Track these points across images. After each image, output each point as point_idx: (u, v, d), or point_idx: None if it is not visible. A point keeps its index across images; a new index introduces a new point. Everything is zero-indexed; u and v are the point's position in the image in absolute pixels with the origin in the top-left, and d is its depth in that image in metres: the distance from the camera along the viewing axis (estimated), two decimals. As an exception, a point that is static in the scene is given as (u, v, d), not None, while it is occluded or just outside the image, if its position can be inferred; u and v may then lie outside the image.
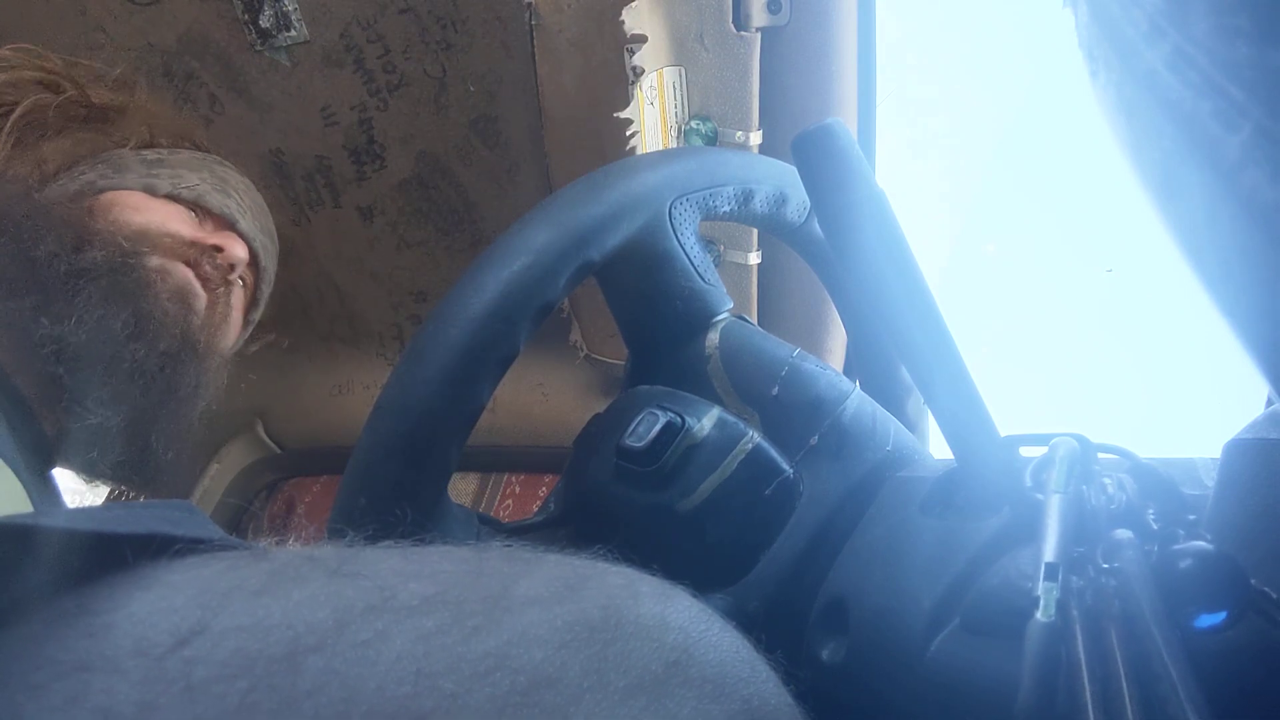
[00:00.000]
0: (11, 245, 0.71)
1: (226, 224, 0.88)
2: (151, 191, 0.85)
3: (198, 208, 0.87)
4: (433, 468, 0.53)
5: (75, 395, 0.70)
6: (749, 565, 0.55)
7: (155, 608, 0.26)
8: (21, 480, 0.63)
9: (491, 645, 0.27)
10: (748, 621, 0.36)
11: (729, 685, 0.29)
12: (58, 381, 0.69)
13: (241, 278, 0.91)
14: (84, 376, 0.70)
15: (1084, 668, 0.29)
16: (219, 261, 0.84)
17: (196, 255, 0.82)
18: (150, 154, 0.90)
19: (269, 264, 0.95)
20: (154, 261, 0.77)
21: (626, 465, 0.56)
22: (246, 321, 0.95)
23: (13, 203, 0.74)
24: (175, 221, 0.83)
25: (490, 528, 0.60)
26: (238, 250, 0.86)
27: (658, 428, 0.55)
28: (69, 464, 0.76)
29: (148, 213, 0.82)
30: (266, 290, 0.97)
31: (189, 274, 0.81)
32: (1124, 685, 0.28)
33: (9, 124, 0.82)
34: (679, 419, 0.56)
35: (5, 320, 0.68)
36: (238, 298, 0.91)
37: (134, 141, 0.90)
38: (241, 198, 0.91)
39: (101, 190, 0.83)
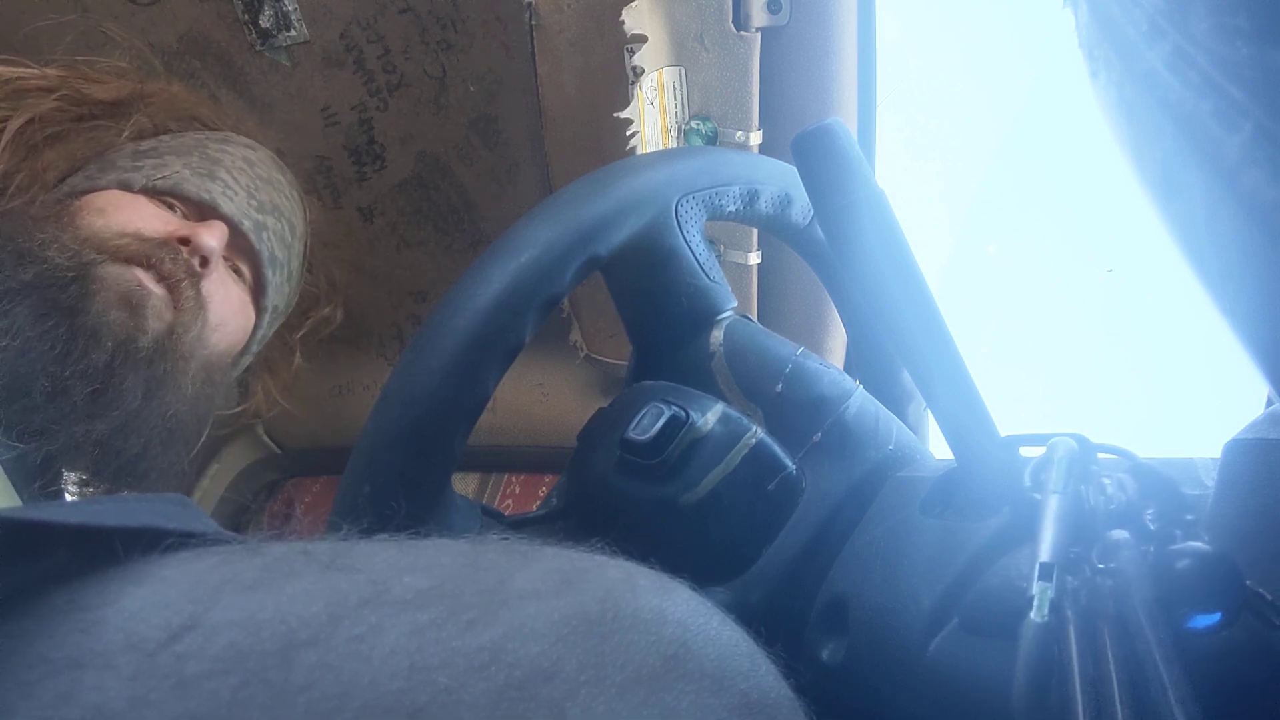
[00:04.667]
0: None
1: (209, 210, 0.83)
2: (127, 187, 0.81)
3: (176, 196, 0.83)
4: (437, 457, 0.53)
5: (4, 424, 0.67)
6: (750, 561, 0.55)
7: (147, 602, 0.26)
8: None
9: (487, 639, 0.26)
10: (748, 616, 0.36)
11: (728, 678, 0.28)
12: None
13: (236, 266, 0.87)
14: (7, 404, 0.67)
15: (1075, 668, 0.29)
16: (184, 255, 0.79)
17: (153, 252, 0.77)
18: (147, 144, 0.86)
19: (270, 245, 0.88)
20: (100, 269, 0.74)
21: (630, 458, 0.56)
22: (259, 308, 0.91)
23: None
24: (139, 220, 0.79)
25: (493, 520, 0.60)
26: (206, 239, 0.80)
27: (662, 421, 0.55)
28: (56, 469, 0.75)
29: (112, 213, 0.78)
30: (276, 273, 0.90)
31: (139, 276, 0.76)
32: (1115, 685, 0.28)
33: (3, 141, 0.79)
34: (683, 413, 0.56)
35: None
36: (230, 288, 0.86)
37: (129, 133, 0.87)
38: (233, 177, 0.86)
39: (82, 193, 0.80)
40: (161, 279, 0.77)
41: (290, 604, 0.26)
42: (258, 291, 0.90)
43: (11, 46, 0.99)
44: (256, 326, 0.92)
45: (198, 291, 0.80)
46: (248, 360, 0.97)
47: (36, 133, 0.82)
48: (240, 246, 0.86)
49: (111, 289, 0.74)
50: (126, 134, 0.86)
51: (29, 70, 0.85)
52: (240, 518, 1.28)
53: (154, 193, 0.82)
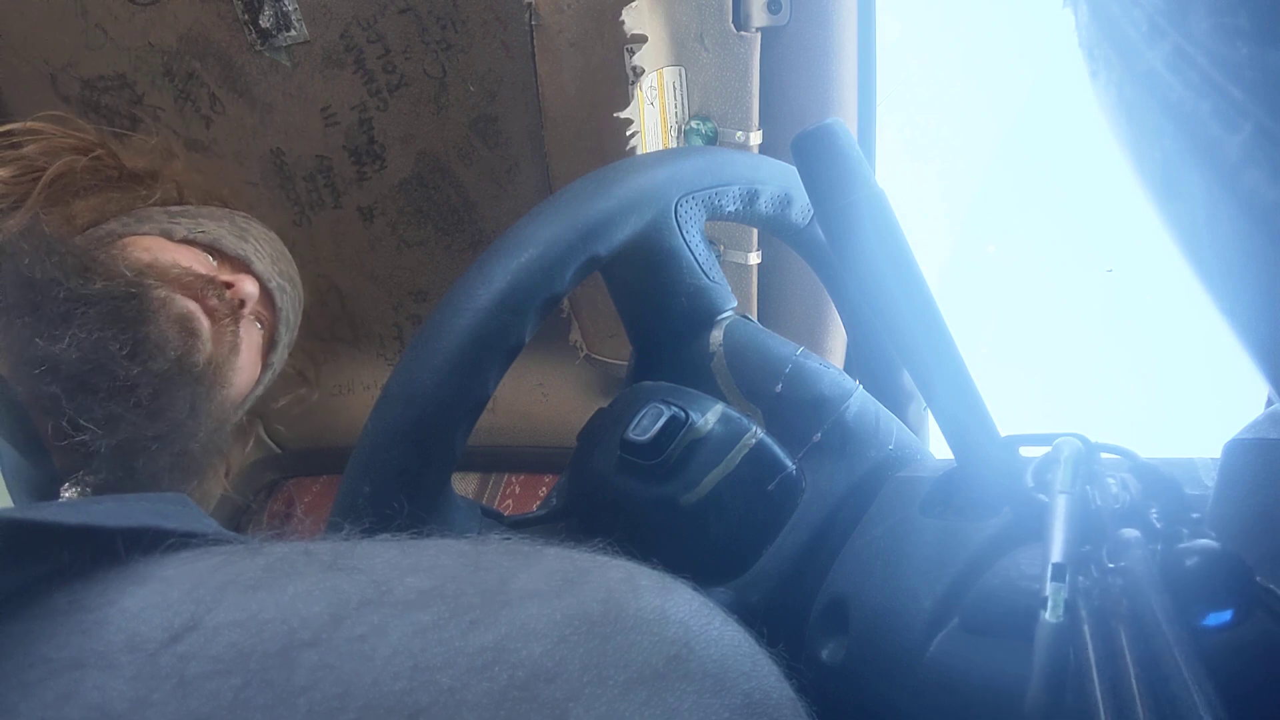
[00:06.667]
0: (13, 270, 0.75)
1: (242, 266, 0.93)
2: (169, 236, 0.90)
3: (214, 250, 0.92)
4: (438, 456, 0.53)
5: (69, 412, 0.73)
6: (751, 560, 0.55)
7: (148, 603, 0.26)
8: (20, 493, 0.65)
9: (489, 639, 0.26)
10: (749, 616, 0.36)
11: (730, 679, 0.28)
12: (54, 399, 0.72)
13: (259, 319, 0.96)
14: (77, 395, 0.73)
15: (1094, 668, 0.29)
16: (228, 296, 0.88)
17: (204, 288, 0.86)
18: (176, 209, 0.95)
19: (286, 307, 0.99)
20: (158, 292, 0.81)
21: (630, 458, 0.56)
22: (265, 364, 0.99)
23: (23, 236, 0.78)
24: (187, 259, 0.88)
25: (493, 520, 0.60)
26: (248, 286, 0.90)
27: (662, 422, 0.56)
28: (68, 480, 0.78)
29: (160, 252, 0.86)
30: (286, 335, 1.00)
31: (192, 305, 0.84)
32: (1134, 685, 0.28)
33: (39, 185, 0.87)
34: (683, 413, 0.56)
35: (6, 340, 0.72)
36: (253, 336, 0.94)
37: (159, 198, 0.95)
38: (260, 245, 0.97)
39: (121, 237, 0.88)
40: (209, 311, 0.86)
41: (292, 604, 0.26)
42: (269, 347, 0.99)
43: (11, 46, 0.99)
44: (258, 383, 1.00)
45: (237, 329, 0.89)
46: (238, 416, 1.04)
47: (69, 185, 0.90)
48: (265, 303, 0.96)
49: (170, 311, 0.81)
50: (156, 198, 0.95)
51: (67, 130, 0.93)
52: (240, 518, 1.28)
53: (195, 244, 0.91)
